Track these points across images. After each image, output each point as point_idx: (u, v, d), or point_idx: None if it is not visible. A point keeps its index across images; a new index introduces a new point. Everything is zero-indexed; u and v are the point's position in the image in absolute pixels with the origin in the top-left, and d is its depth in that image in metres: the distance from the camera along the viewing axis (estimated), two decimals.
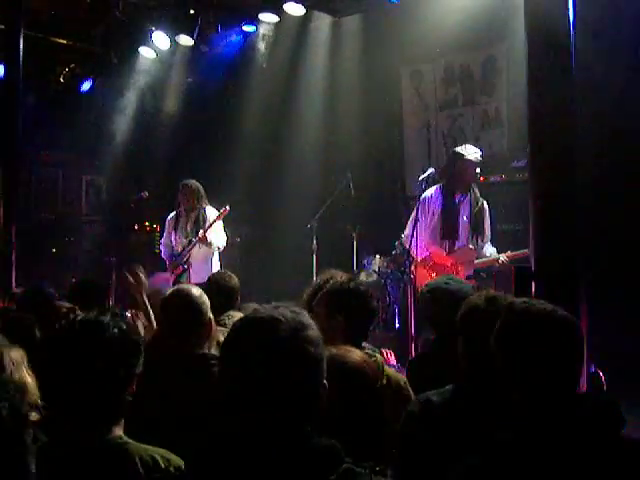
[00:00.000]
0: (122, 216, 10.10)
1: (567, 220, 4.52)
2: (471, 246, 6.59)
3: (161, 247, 8.26)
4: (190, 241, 7.80)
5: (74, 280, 6.86)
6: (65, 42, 9.83)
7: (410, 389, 3.26)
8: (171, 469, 2.18)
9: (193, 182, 7.94)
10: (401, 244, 8.17)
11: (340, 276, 3.75)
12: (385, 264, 8.71)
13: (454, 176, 6.49)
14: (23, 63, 7.04)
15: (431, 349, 4.03)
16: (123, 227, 10.03)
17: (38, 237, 10.48)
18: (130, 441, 2.21)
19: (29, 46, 7.50)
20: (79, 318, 2.30)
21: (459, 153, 6.47)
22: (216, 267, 7.80)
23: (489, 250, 6.64)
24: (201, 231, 7.69)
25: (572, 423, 1.95)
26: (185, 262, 7.83)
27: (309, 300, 3.64)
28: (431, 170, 7.11)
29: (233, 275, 4.95)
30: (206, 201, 7.93)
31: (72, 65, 10.23)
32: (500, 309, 2.27)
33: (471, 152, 6.44)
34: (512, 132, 8.74)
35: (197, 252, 7.85)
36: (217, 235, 7.83)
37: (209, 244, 7.71)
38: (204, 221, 7.78)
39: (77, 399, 2.17)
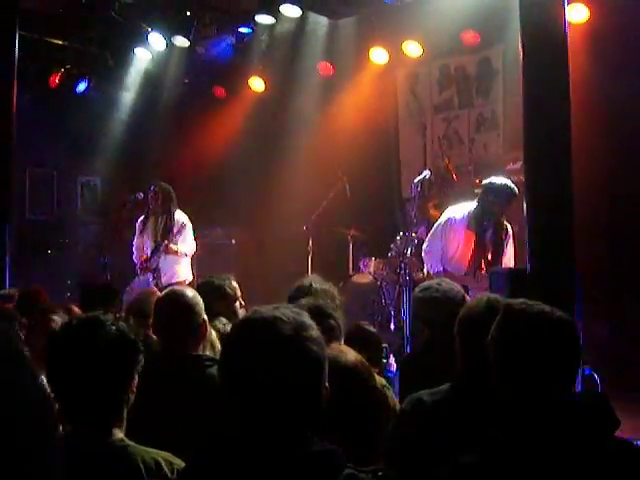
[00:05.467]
0: (117, 217, 10.07)
1: (563, 221, 4.52)
2: (484, 273, 6.43)
3: (133, 249, 8.16)
4: (157, 246, 7.72)
5: (84, 282, 6.75)
6: (61, 42, 9.80)
7: (389, 390, 3.26)
8: (174, 474, 2.16)
9: (164, 185, 7.87)
10: (397, 246, 8.18)
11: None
12: (381, 266, 8.72)
13: (482, 205, 6.38)
14: (18, 63, 7.02)
15: (423, 348, 4.04)
16: (118, 228, 9.99)
17: (33, 238, 10.45)
18: (132, 443, 2.19)
19: (24, 46, 7.48)
20: (77, 317, 2.30)
21: (491, 186, 6.32)
22: (185, 269, 7.82)
23: None
24: (165, 242, 7.64)
25: (566, 424, 1.94)
26: (154, 269, 7.75)
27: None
28: (426, 172, 7.09)
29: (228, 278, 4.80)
30: (175, 205, 7.81)
31: (68, 66, 10.20)
32: (498, 313, 2.27)
33: (504, 187, 6.26)
34: (507, 134, 8.75)
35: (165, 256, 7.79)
36: (185, 242, 7.75)
37: (175, 252, 7.68)
38: (171, 227, 7.68)
39: (76, 399, 2.15)
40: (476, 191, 6.46)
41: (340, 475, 1.73)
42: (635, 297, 6.81)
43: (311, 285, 3.81)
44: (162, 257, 7.71)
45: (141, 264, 7.88)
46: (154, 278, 7.72)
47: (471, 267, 6.39)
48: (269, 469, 1.73)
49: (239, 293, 4.54)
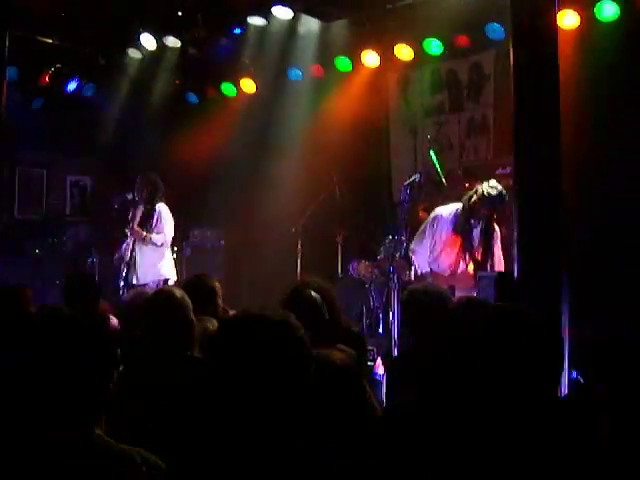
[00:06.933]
0: (106, 217, 10.05)
1: (552, 225, 4.55)
2: (471, 272, 6.48)
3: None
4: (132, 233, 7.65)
5: (67, 275, 6.64)
6: (52, 42, 9.76)
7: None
8: (151, 469, 2.16)
9: (152, 174, 7.85)
10: (386, 249, 8.18)
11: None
12: (370, 269, 8.72)
13: (470, 205, 6.42)
14: (9, 62, 7.01)
15: (410, 351, 4.06)
16: (107, 228, 9.97)
17: (22, 237, 10.40)
18: (109, 440, 2.20)
19: (15, 45, 7.46)
20: (46, 314, 2.30)
21: (478, 188, 6.37)
22: (169, 267, 7.82)
23: None
24: (133, 226, 7.60)
25: (548, 426, 1.95)
26: (128, 262, 7.68)
27: None
28: (416, 175, 7.13)
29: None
30: (161, 197, 7.79)
31: (58, 65, 10.17)
32: (480, 315, 2.27)
33: (492, 190, 6.29)
34: (498, 139, 8.78)
35: (145, 248, 7.73)
36: (158, 232, 7.68)
37: (148, 241, 7.59)
38: (151, 216, 7.64)
39: (49, 397, 2.15)
40: (470, 194, 6.48)
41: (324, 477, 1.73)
42: (628, 299, 6.83)
43: (310, 285, 3.84)
44: (143, 252, 7.64)
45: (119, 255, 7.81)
46: (127, 271, 7.66)
47: (456, 266, 6.44)
48: (257, 469, 1.73)
49: (220, 292, 4.57)
